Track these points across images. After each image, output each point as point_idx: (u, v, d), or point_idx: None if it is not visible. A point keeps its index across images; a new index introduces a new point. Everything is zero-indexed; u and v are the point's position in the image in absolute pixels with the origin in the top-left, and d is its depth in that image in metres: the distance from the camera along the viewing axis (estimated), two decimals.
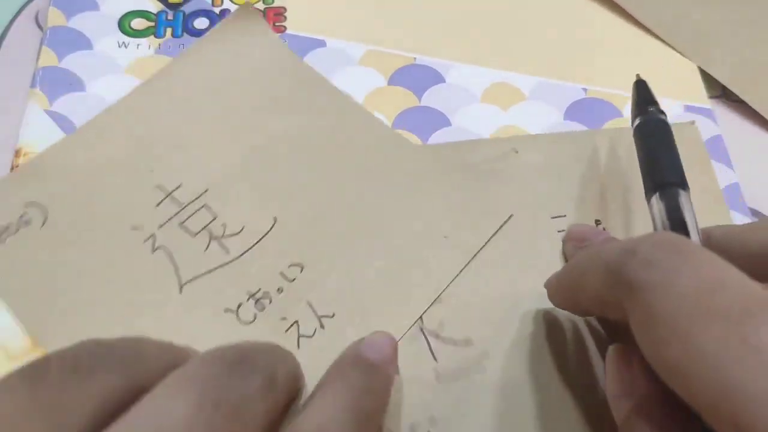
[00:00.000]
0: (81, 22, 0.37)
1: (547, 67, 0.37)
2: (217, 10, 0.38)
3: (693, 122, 0.35)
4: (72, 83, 0.35)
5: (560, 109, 0.35)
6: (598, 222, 0.31)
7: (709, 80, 0.37)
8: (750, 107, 0.36)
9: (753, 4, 0.39)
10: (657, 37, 0.38)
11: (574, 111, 0.35)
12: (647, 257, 0.18)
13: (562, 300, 0.25)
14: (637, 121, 0.28)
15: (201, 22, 0.38)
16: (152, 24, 0.37)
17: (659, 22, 0.38)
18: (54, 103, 0.34)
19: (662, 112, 0.28)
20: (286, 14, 0.38)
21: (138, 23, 0.37)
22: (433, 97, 0.36)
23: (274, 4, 0.38)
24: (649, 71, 0.37)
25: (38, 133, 0.33)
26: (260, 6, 0.38)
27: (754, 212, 0.33)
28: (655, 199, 0.25)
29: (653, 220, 0.25)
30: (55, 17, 0.37)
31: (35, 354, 0.27)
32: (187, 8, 0.38)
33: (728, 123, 0.36)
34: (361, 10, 0.39)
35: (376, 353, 0.23)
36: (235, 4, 0.38)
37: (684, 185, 0.25)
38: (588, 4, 0.40)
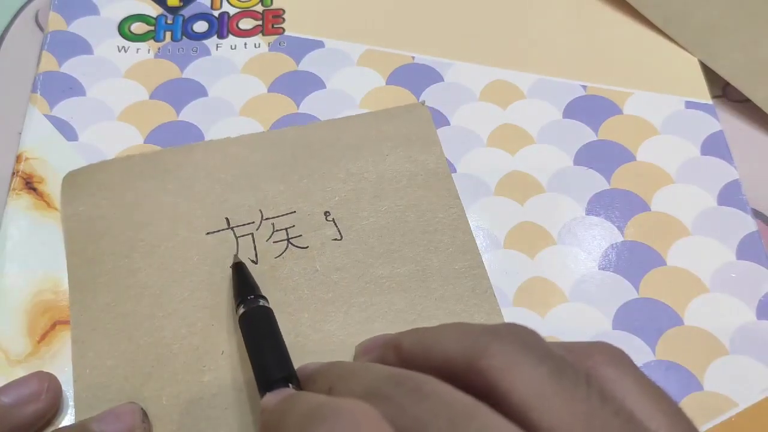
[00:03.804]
0: (81, 26, 0.37)
1: (546, 65, 0.37)
2: (216, 13, 0.38)
3: (423, 102, 0.35)
4: (72, 88, 0.35)
5: (559, 107, 0.35)
6: (327, 213, 0.31)
7: (710, 80, 0.36)
8: (751, 108, 0.35)
9: (756, 0, 0.38)
10: (658, 31, 0.38)
11: (574, 108, 0.35)
12: None
13: None
14: (240, 310, 0.27)
15: (200, 26, 0.38)
16: (152, 28, 0.37)
17: (660, 16, 0.38)
18: (54, 107, 0.34)
19: (263, 297, 0.28)
20: (284, 16, 0.38)
21: (137, 27, 0.37)
22: (432, 96, 0.35)
23: (273, 6, 0.38)
24: (650, 66, 0.37)
25: (39, 138, 0.33)
26: (259, 8, 0.38)
27: (757, 213, 0.32)
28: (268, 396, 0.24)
29: None
30: (55, 22, 0.37)
31: (36, 358, 0.28)
32: (187, 12, 0.38)
33: (729, 123, 0.35)
34: (359, 11, 0.39)
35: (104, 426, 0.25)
36: (234, 7, 0.38)
37: (291, 378, 0.25)
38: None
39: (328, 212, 0.31)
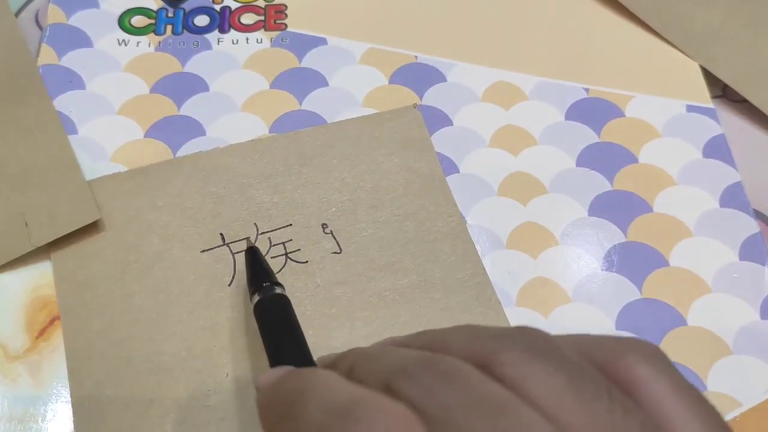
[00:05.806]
0: (81, 19, 0.37)
1: (549, 67, 0.37)
2: (217, 7, 0.38)
3: (415, 105, 0.35)
4: (72, 81, 0.35)
5: (561, 109, 0.35)
6: (324, 226, 0.31)
7: (710, 80, 0.37)
8: (751, 108, 0.36)
9: (756, 4, 0.39)
10: (659, 36, 0.38)
11: (576, 110, 0.35)
12: None
13: None
14: (255, 298, 0.26)
15: (201, 20, 0.37)
16: (152, 21, 0.37)
17: (662, 21, 0.38)
18: (54, 101, 0.34)
19: (278, 284, 0.26)
20: (286, 11, 0.38)
21: (138, 20, 0.37)
22: (434, 96, 0.35)
23: (275, 2, 0.38)
24: (651, 70, 0.37)
25: None
26: (261, 3, 0.38)
27: (759, 214, 0.33)
28: (267, 373, 0.23)
29: None
30: (54, 15, 0.37)
31: (34, 354, 0.27)
32: (188, 5, 0.38)
33: (729, 123, 0.36)
34: (362, 8, 0.38)
35: None
36: (236, 2, 0.38)
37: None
38: (590, 3, 0.39)
39: (326, 224, 0.31)
